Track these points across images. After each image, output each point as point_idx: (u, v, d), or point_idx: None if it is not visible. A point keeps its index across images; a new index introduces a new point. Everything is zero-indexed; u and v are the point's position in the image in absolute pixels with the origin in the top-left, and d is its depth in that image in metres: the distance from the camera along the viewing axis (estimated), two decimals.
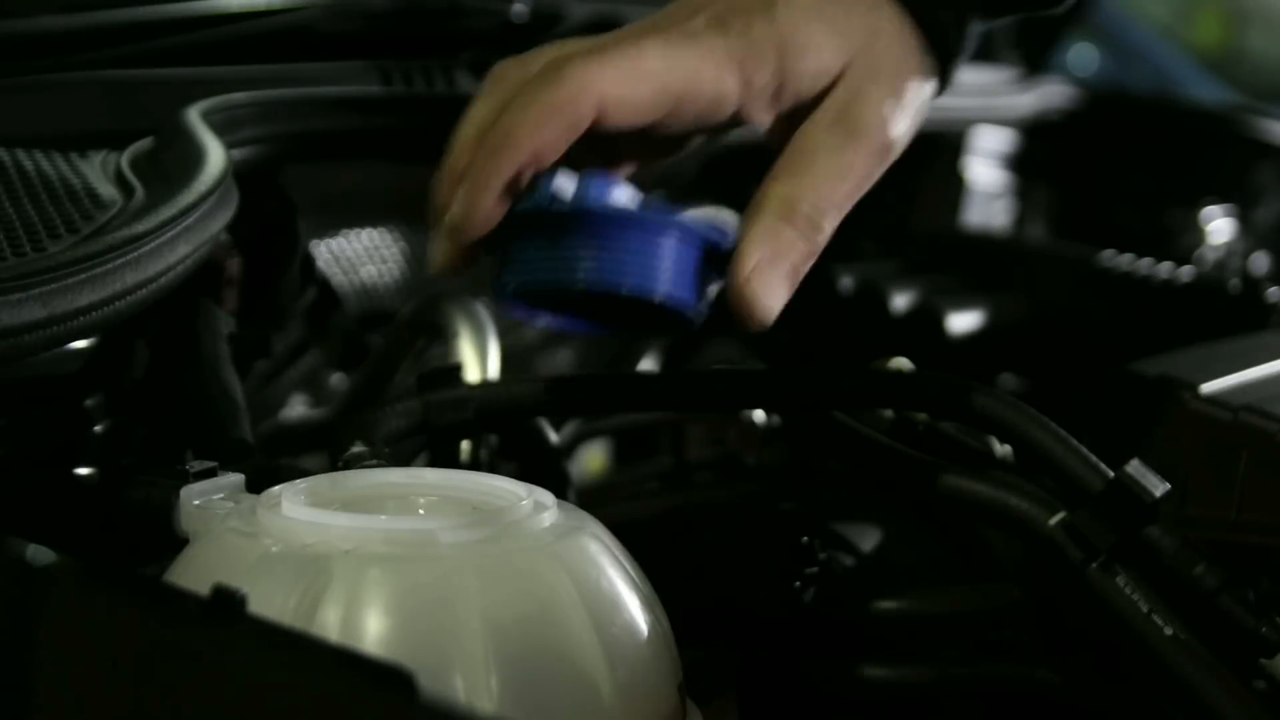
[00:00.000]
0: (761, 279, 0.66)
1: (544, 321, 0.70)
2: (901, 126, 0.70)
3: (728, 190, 1.34)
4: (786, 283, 0.67)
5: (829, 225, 0.69)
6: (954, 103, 1.43)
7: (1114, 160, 1.56)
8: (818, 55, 0.68)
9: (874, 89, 0.69)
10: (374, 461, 0.69)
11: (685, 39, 0.67)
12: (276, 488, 0.60)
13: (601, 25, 1.09)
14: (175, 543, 0.62)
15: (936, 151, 1.46)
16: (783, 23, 0.67)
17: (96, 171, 0.75)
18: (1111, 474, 0.67)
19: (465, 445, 0.81)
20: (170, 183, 0.72)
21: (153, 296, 0.68)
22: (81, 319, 0.64)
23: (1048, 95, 1.55)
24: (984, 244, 1.32)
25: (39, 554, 0.47)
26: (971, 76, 1.47)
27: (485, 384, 0.89)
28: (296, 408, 1.01)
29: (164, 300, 0.70)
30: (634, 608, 0.58)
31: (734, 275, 0.67)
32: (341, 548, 0.55)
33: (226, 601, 0.45)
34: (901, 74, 0.70)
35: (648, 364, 1.26)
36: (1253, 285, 1.11)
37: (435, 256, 0.69)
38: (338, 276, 1.09)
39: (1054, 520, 0.67)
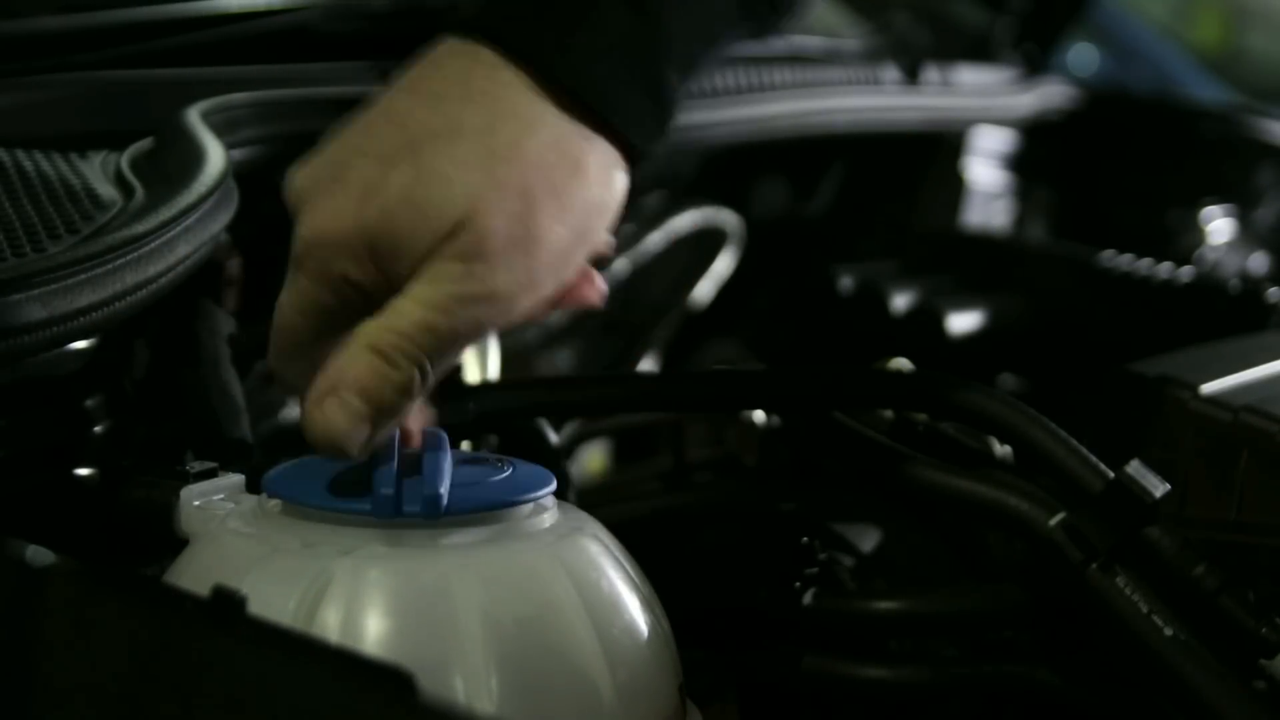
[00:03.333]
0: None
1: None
2: (555, 251, 0.61)
3: (728, 190, 1.35)
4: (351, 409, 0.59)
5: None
6: (954, 103, 1.44)
7: (1114, 160, 1.56)
8: (420, 231, 0.59)
9: (496, 229, 0.60)
10: None
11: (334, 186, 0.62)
12: None
13: None
14: (175, 543, 0.62)
15: (936, 151, 1.46)
16: (405, 187, 0.60)
17: (96, 171, 0.75)
18: (1111, 474, 0.67)
19: (465, 445, 0.81)
20: (170, 183, 0.72)
21: (153, 297, 0.68)
22: (81, 319, 0.64)
23: (1048, 95, 1.55)
24: (984, 244, 1.33)
25: (39, 555, 0.47)
26: (971, 76, 1.47)
27: (485, 384, 0.89)
28: (297, 408, 1.01)
29: (164, 300, 0.70)
30: (634, 608, 0.58)
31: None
32: (342, 549, 0.55)
33: (226, 602, 0.45)
34: (561, 197, 0.61)
35: (648, 364, 1.27)
36: (1253, 285, 1.11)
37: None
38: None
39: (1054, 520, 0.67)
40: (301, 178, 0.63)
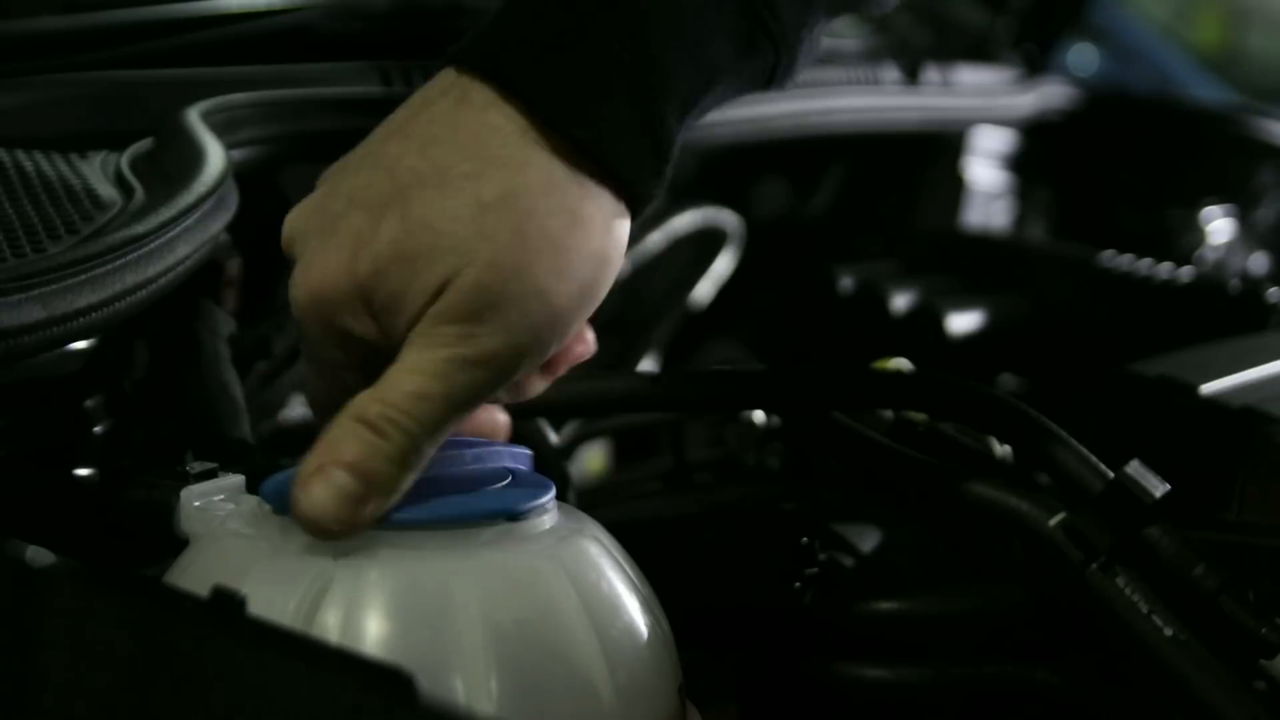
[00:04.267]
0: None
1: None
2: (561, 301, 0.59)
3: (728, 190, 1.35)
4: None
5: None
6: (954, 103, 1.44)
7: (1114, 160, 1.56)
8: (412, 298, 0.57)
9: (490, 283, 0.57)
10: None
11: (327, 235, 0.59)
12: None
13: None
14: (175, 544, 0.62)
15: (936, 151, 1.46)
16: (397, 240, 0.57)
17: (96, 172, 0.75)
18: (1111, 474, 0.67)
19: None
20: (170, 183, 0.72)
21: (153, 297, 0.68)
22: (81, 320, 0.64)
23: (1048, 95, 1.55)
24: (984, 244, 1.32)
25: (39, 555, 0.47)
26: (971, 76, 1.47)
27: None
28: (296, 408, 1.01)
29: (164, 300, 0.70)
30: (634, 610, 0.58)
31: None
32: (341, 550, 0.55)
33: (226, 603, 0.45)
34: (559, 247, 0.58)
35: (648, 364, 1.27)
36: (1253, 285, 1.11)
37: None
38: None
39: (1054, 521, 0.67)
40: (294, 224, 0.60)
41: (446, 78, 0.60)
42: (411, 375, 0.55)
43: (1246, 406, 0.80)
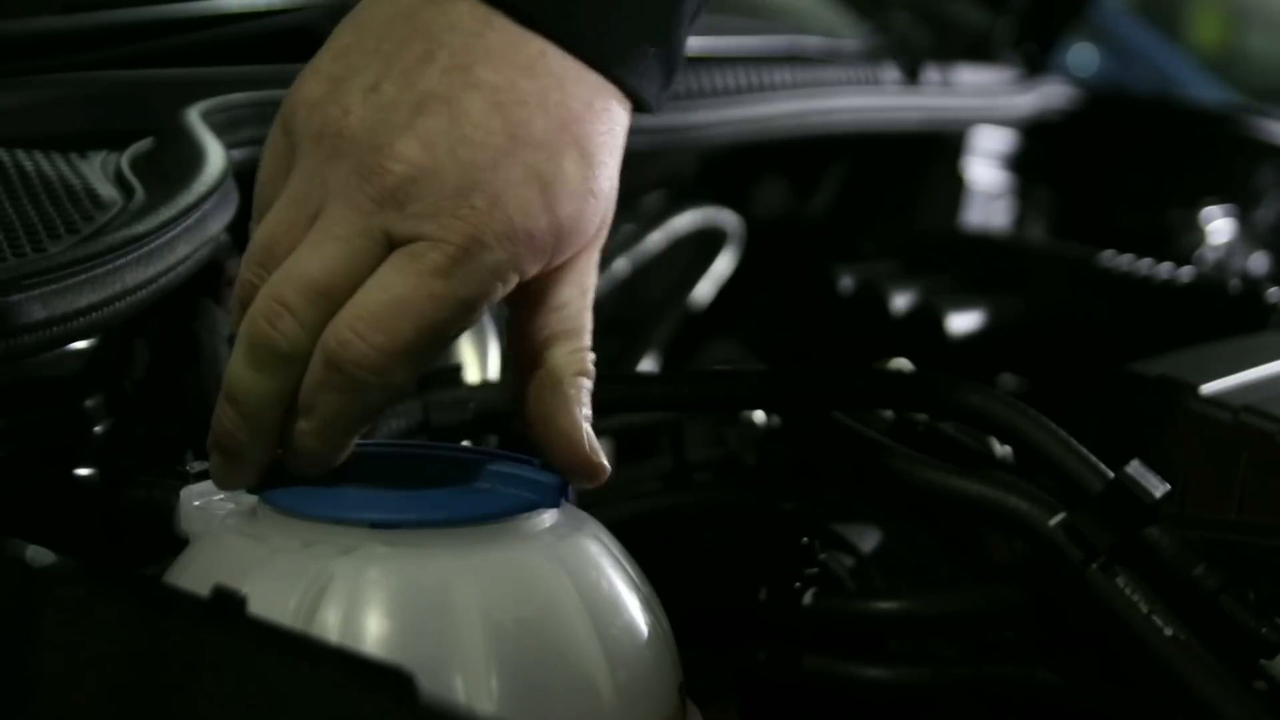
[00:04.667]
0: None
1: None
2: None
3: (728, 190, 1.35)
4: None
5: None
6: (954, 103, 1.44)
7: (1114, 160, 1.56)
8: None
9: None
10: None
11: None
12: None
13: None
14: (176, 543, 0.62)
15: (936, 151, 1.46)
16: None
17: (96, 171, 0.75)
18: (1111, 474, 0.67)
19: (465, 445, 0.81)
20: (170, 183, 0.72)
21: (153, 297, 0.68)
22: (81, 319, 0.64)
23: (1048, 95, 1.55)
24: (984, 244, 1.33)
25: (39, 555, 0.47)
26: (971, 76, 1.47)
27: (485, 384, 0.89)
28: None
29: (164, 300, 0.70)
30: (634, 609, 0.58)
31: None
32: (342, 549, 0.55)
33: (226, 602, 0.45)
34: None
35: (648, 364, 1.27)
36: (1253, 285, 1.11)
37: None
38: None
39: (1054, 520, 0.67)
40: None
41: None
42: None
43: (1163, 375, 0.81)
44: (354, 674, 0.42)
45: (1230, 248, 1.47)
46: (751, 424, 0.84)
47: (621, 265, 1.22)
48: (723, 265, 1.33)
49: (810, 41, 1.39)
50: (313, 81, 0.57)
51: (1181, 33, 4.18)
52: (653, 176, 1.29)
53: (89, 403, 0.75)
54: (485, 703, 0.52)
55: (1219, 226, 1.47)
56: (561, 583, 0.55)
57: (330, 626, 0.52)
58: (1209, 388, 0.81)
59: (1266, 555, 0.73)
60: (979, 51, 1.55)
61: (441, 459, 0.62)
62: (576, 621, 0.55)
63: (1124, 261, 1.17)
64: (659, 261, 1.27)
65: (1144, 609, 0.64)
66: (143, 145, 0.78)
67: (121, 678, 0.45)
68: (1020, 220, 1.52)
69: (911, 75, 1.39)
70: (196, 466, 0.64)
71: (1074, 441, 0.69)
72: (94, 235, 0.67)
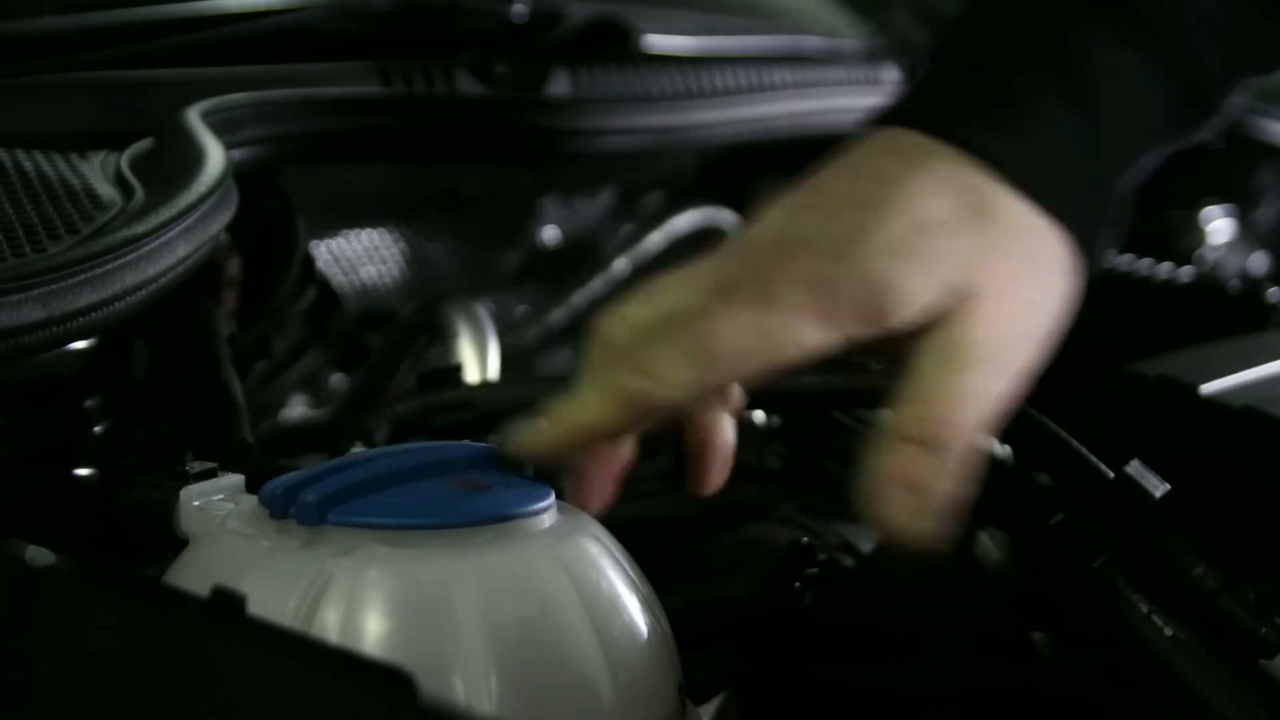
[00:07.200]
0: (880, 499, 0.59)
1: None
2: (1029, 341, 0.63)
3: (728, 190, 1.35)
4: (913, 499, 0.58)
5: (956, 443, 0.59)
6: None
7: None
8: (910, 298, 0.58)
9: (987, 313, 0.59)
10: None
11: (768, 304, 0.61)
12: None
13: (601, 26, 1.09)
14: (175, 543, 0.62)
15: None
16: (866, 268, 0.58)
17: (96, 172, 0.75)
18: (1111, 474, 0.67)
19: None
20: (170, 183, 0.72)
21: (153, 297, 0.68)
22: (81, 319, 0.64)
23: None
24: None
25: (39, 555, 0.47)
26: None
27: (485, 384, 0.89)
28: (296, 408, 1.01)
29: (164, 300, 0.70)
30: (634, 609, 0.58)
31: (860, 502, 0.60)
32: (341, 549, 0.55)
33: (226, 602, 0.45)
34: (1026, 286, 0.61)
35: None
36: (1253, 285, 1.11)
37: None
38: (338, 276, 1.09)
39: (1054, 520, 0.67)
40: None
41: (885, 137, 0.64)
42: (956, 404, 0.59)
43: (1163, 375, 0.81)
44: (353, 674, 0.42)
45: (1230, 248, 1.47)
46: (751, 424, 0.84)
47: (621, 265, 1.22)
48: None
49: (810, 41, 1.39)
50: None
51: None
52: (653, 176, 1.29)
53: (89, 403, 0.75)
54: (485, 703, 0.52)
55: (1219, 226, 1.47)
56: (561, 583, 0.55)
57: (330, 627, 0.52)
58: (1209, 388, 0.81)
59: (1266, 555, 0.73)
60: None
61: (441, 459, 0.62)
62: (576, 622, 0.55)
63: (1124, 261, 1.17)
64: (659, 261, 1.27)
65: (1144, 609, 0.64)
66: (142, 145, 0.78)
67: (121, 678, 0.45)
68: None
69: (912, 75, 1.39)
70: (196, 466, 0.64)
71: (1074, 441, 0.69)
72: (94, 235, 0.67)
